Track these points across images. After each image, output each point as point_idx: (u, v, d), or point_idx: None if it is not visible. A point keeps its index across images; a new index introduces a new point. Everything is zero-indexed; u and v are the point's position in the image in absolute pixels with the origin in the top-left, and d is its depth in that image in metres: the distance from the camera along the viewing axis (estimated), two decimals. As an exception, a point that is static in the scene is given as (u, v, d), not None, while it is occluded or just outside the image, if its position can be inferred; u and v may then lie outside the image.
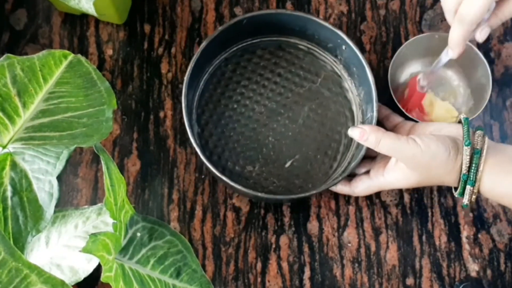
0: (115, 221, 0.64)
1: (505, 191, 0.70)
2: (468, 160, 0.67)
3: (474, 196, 0.70)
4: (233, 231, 0.95)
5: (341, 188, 0.85)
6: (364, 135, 0.71)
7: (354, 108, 0.93)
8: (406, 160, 0.72)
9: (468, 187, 0.68)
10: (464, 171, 0.67)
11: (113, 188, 0.64)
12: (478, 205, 0.96)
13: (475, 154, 0.67)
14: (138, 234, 0.72)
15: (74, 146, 0.63)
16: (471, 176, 0.67)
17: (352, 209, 0.96)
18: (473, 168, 0.67)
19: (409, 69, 1.02)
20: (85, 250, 0.58)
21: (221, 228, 0.95)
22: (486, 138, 0.69)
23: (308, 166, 0.91)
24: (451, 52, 0.74)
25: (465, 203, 0.71)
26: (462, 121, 0.71)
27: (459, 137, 0.72)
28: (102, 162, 0.65)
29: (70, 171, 0.98)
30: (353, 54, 0.91)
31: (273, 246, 0.94)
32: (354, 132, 0.74)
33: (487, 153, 0.69)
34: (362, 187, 0.83)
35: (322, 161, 0.92)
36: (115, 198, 0.64)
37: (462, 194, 0.70)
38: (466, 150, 0.67)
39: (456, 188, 0.73)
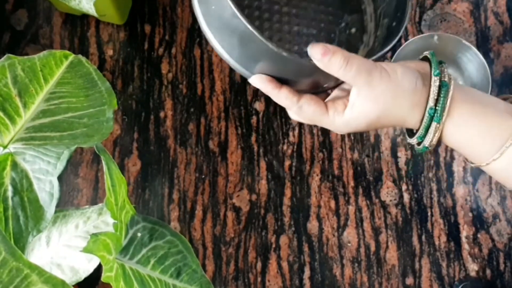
0: (116, 221, 0.64)
1: (469, 136, 0.62)
2: (436, 91, 0.59)
3: (436, 138, 0.60)
4: (233, 231, 0.95)
5: (287, 94, 0.60)
6: (328, 53, 0.56)
7: None
8: (371, 84, 0.58)
9: (434, 124, 0.59)
10: (431, 103, 0.59)
11: (114, 188, 0.64)
12: (478, 205, 0.96)
13: (443, 87, 0.59)
14: (139, 234, 0.72)
15: (74, 146, 0.63)
16: (438, 111, 0.59)
17: (352, 209, 0.96)
18: (441, 101, 0.59)
19: (409, 69, 1.02)
20: (86, 250, 0.58)
21: (221, 228, 0.95)
22: (452, 76, 0.61)
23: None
24: None
25: (426, 145, 0.61)
26: (429, 55, 0.63)
27: (421, 69, 0.62)
28: (103, 162, 0.65)
29: (70, 171, 0.98)
30: None
31: (273, 246, 0.94)
32: (314, 49, 0.56)
33: (455, 90, 0.59)
34: (311, 110, 0.62)
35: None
36: (115, 198, 0.65)
37: (425, 135, 0.61)
38: (435, 81, 0.59)
39: (416, 131, 0.62)
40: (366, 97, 0.59)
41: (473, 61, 0.97)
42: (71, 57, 0.69)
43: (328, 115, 0.61)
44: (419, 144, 0.62)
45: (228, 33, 0.58)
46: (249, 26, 0.54)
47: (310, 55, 0.57)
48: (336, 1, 0.73)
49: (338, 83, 0.64)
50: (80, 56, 0.70)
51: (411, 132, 0.64)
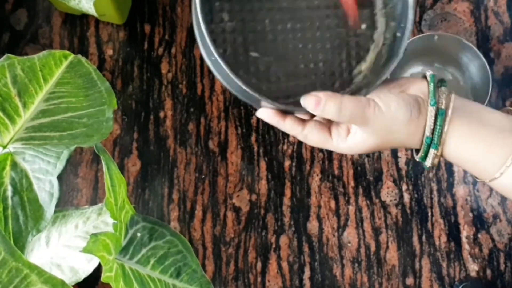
0: (116, 221, 0.64)
1: (470, 155, 0.64)
2: (432, 121, 0.61)
3: (437, 160, 0.62)
4: (233, 231, 0.95)
5: (292, 125, 0.64)
6: (320, 103, 0.59)
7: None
8: (367, 124, 0.61)
9: (432, 151, 0.62)
10: (427, 133, 0.61)
11: (113, 188, 0.64)
12: (478, 205, 0.96)
13: (439, 115, 0.61)
14: (139, 234, 0.72)
15: (74, 146, 0.63)
16: (435, 139, 0.61)
17: (352, 209, 0.96)
18: (437, 130, 0.61)
19: (410, 69, 1.02)
20: (86, 250, 0.58)
21: (221, 228, 0.95)
22: (453, 96, 0.62)
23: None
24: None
25: (427, 166, 0.64)
26: (428, 78, 0.64)
27: (422, 95, 0.63)
28: (103, 162, 0.65)
29: (70, 171, 0.98)
30: None
31: (273, 246, 0.94)
32: (307, 101, 0.59)
33: (453, 113, 0.61)
34: (316, 138, 0.65)
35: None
36: (115, 198, 0.64)
37: (425, 158, 0.64)
38: (431, 111, 0.61)
39: (418, 151, 0.64)
40: (364, 131, 0.62)
41: (473, 61, 0.97)
42: (71, 57, 0.69)
43: (332, 140, 0.64)
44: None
45: (229, 79, 0.61)
46: (244, 86, 0.59)
47: (303, 105, 0.61)
48: None
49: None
50: (79, 56, 0.70)
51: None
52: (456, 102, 0.62)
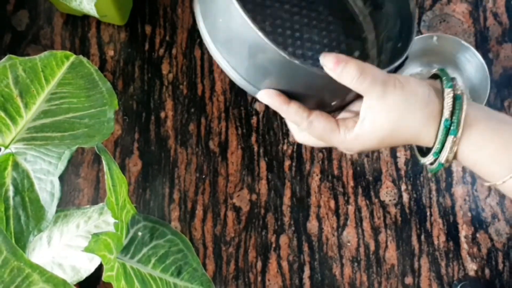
0: (117, 221, 0.65)
1: (484, 154, 0.60)
2: (451, 103, 0.57)
3: (453, 152, 0.57)
4: (233, 231, 0.96)
5: (297, 110, 0.58)
6: (341, 62, 0.53)
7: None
8: (385, 96, 0.56)
9: (450, 137, 0.57)
10: (446, 115, 0.57)
11: (114, 188, 0.65)
12: (477, 205, 0.96)
13: (457, 99, 0.57)
14: (140, 234, 0.73)
15: (75, 147, 0.63)
16: (455, 123, 0.56)
17: (351, 208, 0.96)
18: (456, 113, 0.56)
19: (409, 70, 1.03)
20: (87, 249, 0.58)
21: (221, 228, 0.96)
22: (463, 90, 0.58)
23: None
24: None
25: (441, 162, 0.59)
26: (439, 71, 0.61)
27: (433, 86, 0.59)
28: (104, 162, 0.65)
29: (71, 171, 0.99)
30: None
31: (273, 245, 0.95)
32: (326, 59, 0.54)
33: (468, 104, 0.57)
34: (322, 126, 0.59)
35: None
36: (116, 198, 0.65)
37: (441, 150, 0.58)
38: (449, 93, 0.57)
39: (427, 152, 0.59)
40: (378, 109, 0.57)
41: (472, 62, 0.97)
42: (72, 57, 0.69)
43: (339, 131, 0.58)
44: (433, 162, 0.60)
45: (236, 46, 0.57)
46: (260, 34, 0.53)
47: (322, 64, 0.55)
48: (339, 27, 0.72)
49: (344, 102, 0.63)
50: (81, 56, 0.70)
51: (423, 152, 0.62)
52: (468, 99, 0.59)
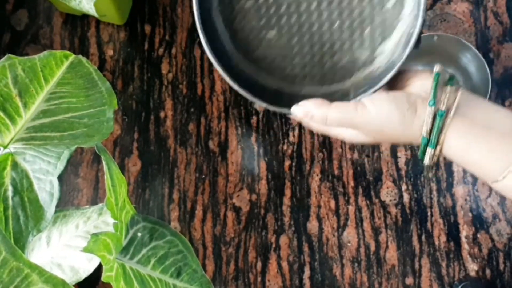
0: (116, 221, 0.64)
1: (472, 157, 0.63)
2: (430, 122, 0.60)
3: (435, 158, 0.60)
4: (233, 231, 0.95)
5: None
6: (308, 113, 0.61)
7: None
8: (357, 128, 0.62)
9: (429, 150, 0.60)
10: (424, 134, 0.60)
11: (114, 188, 0.64)
12: (477, 205, 0.96)
13: (438, 116, 0.59)
14: (139, 234, 0.73)
15: (75, 146, 0.63)
16: (432, 140, 0.60)
17: (351, 208, 0.96)
18: (434, 131, 0.59)
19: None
20: (86, 249, 0.58)
21: (221, 228, 0.95)
22: (459, 94, 0.60)
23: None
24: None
25: (426, 163, 0.63)
26: (433, 76, 0.62)
27: (423, 93, 0.61)
28: (103, 162, 0.65)
29: (71, 171, 0.98)
30: None
31: (273, 245, 0.94)
32: (297, 111, 0.62)
33: (456, 113, 0.59)
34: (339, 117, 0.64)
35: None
36: (116, 198, 0.65)
37: (423, 155, 0.62)
38: (429, 111, 0.60)
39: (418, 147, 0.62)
40: (354, 131, 0.63)
41: (473, 61, 0.97)
42: (72, 57, 0.69)
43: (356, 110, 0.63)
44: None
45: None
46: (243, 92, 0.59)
47: (293, 114, 0.62)
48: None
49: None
50: (80, 56, 0.70)
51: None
52: (462, 101, 0.59)
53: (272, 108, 0.62)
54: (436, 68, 0.62)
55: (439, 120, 0.59)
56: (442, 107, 0.59)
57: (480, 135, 0.59)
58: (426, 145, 0.60)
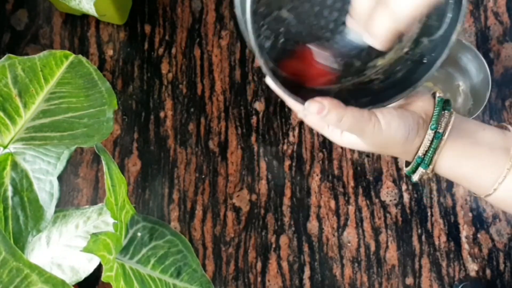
0: (116, 221, 0.64)
1: (463, 174, 0.66)
2: (428, 144, 0.63)
3: (425, 177, 0.65)
4: (233, 231, 0.95)
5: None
6: (323, 110, 0.60)
7: None
8: (364, 137, 0.63)
9: (421, 169, 0.64)
10: (420, 154, 0.63)
11: (114, 188, 0.64)
12: (477, 205, 0.96)
13: (436, 138, 0.62)
14: (139, 234, 0.72)
15: (75, 146, 0.63)
16: (426, 160, 0.63)
17: (351, 209, 0.96)
18: (430, 152, 0.63)
19: (409, 69, 1.02)
20: (86, 249, 0.58)
21: (221, 228, 0.95)
22: (452, 118, 0.63)
23: None
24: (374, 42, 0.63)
25: (413, 180, 0.67)
26: (436, 102, 0.65)
27: (424, 115, 0.64)
28: (103, 162, 0.65)
29: (70, 171, 0.98)
30: None
31: (273, 245, 0.94)
32: (311, 107, 0.61)
33: (449, 134, 0.62)
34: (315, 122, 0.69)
35: None
36: (116, 198, 0.65)
37: (413, 172, 0.66)
38: (430, 134, 0.62)
39: (408, 164, 0.66)
40: (356, 139, 0.64)
41: (473, 61, 0.97)
42: (71, 57, 0.69)
43: (327, 129, 0.65)
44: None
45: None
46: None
47: (306, 108, 0.61)
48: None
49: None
50: (80, 56, 0.70)
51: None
52: (455, 123, 0.63)
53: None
54: (439, 94, 0.65)
55: (436, 142, 0.62)
56: (440, 130, 0.62)
57: (470, 153, 0.63)
58: (419, 164, 0.64)
